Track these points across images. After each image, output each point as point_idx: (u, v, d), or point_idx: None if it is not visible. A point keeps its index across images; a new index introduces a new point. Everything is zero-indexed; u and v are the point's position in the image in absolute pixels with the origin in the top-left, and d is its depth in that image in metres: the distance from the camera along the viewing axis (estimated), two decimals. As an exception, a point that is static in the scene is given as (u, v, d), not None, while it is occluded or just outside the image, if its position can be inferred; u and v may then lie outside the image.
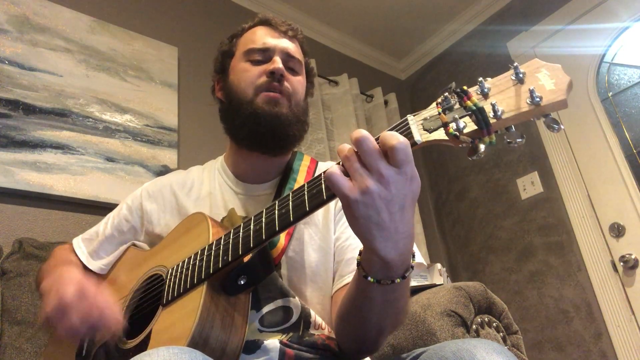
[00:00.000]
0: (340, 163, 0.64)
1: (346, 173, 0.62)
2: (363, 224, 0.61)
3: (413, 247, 0.68)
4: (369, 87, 3.01)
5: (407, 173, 0.60)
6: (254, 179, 1.04)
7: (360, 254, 0.71)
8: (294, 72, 1.04)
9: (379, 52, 3.33)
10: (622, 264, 2.17)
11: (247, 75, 1.00)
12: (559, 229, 2.41)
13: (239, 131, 1.01)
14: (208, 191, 1.05)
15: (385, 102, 3.01)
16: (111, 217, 1.12)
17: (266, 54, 1.02)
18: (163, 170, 1.93)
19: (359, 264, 0.71)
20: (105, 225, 1.10)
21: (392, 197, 0.60)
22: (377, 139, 0.62)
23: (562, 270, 2.35)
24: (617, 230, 2.22)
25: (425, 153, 3.18)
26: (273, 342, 0.82)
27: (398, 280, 0.67)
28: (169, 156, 2.00)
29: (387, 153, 0.60)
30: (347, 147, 0.63)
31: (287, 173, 1.03)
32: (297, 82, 1.03)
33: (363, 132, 0.60)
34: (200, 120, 2.18)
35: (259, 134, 0.97)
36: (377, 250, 0.62)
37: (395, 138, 0.59)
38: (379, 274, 0.67)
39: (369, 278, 0.68)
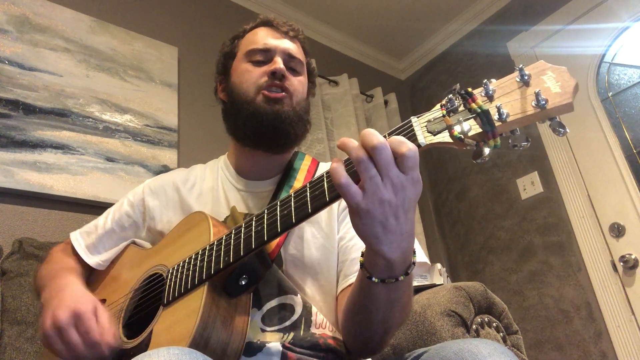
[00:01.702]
0: (344, 161, 0.63)
1: (350, 173, 0.62)
2: (370, 229, 0.62)
3: (414, 244, 0.69)
4: (369, 87, 3.01)
5: (414, 178, 0.61)
6: (255, 176, 1.04)
7: (362, 254, 0.72)
8: (295, 72, 1.04)
9: (379, 52, 3.32)
10: (622, 264, 2.17)
11: (248, 75, 1.01)
12: (559, 229, 2.41)
13: (241, 130, 1.01)
14: (210, 187, 1.06)
15: (385, 102, 3.01)
16: (112, 211, 1.11)
17: (267, 54, 1.02)
18: (163, 170, 1.92)
19: (362, 265, 0.71)
20: (105, 219, 1.10)
21: (400, 203, 0.61)
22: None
23: (562, 270, 2.35)
24: (617, 230, 2.22)
25: (425, 153, 3.15)
26: (275, 345, 0.82)
27: (401, 277, 0.68)
28: (169, 156, 2.00)
29: (397, 160, 0.60)
30: (354, 144, 0.61)
31: (287, 171, 1.04)
32: (298, 82, 1.03)
33: (380, 139, 0.60)
34: (200, 120, 2.18)
35: (260, 133, 0.97)
36: (382, 252, 0.63)
37: (405, 146, 0.59)
38: (382, 274, 0.68)
39: (373, 278, 0.68)
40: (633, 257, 2.15)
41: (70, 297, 0.83)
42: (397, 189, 0.60)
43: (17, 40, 1.77)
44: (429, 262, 0.96)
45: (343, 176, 0.61)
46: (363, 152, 0.60)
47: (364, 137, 0.60)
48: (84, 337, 0.77)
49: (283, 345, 0.82)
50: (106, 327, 0.80)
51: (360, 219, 0.62)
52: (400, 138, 0.61)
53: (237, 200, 1.01)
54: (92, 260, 1.05)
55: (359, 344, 0.85)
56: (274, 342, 0.82)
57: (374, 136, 0.60)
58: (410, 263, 0.69)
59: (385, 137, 0.63)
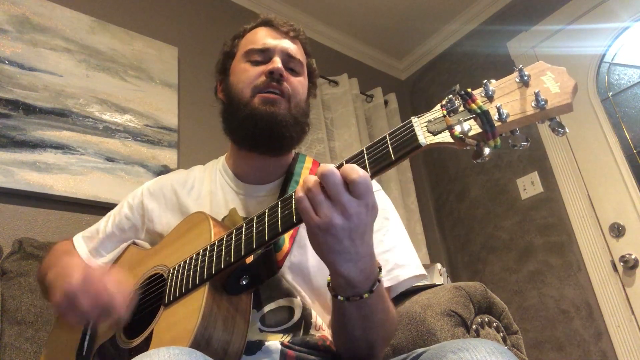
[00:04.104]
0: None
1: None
2: (325, 249, 0.65)
3: (375, 264, 0.72)
4: (369, 87, 3.01)
5: (369, 204, 0.64)
6: (255, 180, 1.03)
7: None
8: (294, 72, 1.03)
9: (379, 52, 3.32)
10: (622, 264, 2.17)
11: (246, 75, 0.99)
12: (559, 229, 2.41)
13: (236, 132, 1.01)
14: (209, 190, 1.05)
15: (385, 102, 3.01)
16: (112, 215, 1.12)
17: (266, 54, 1.01)
18: (163, 170, 1.92)
19: (328, 284, 0.74)
20: (106, 223, 1.10)
21: (354, 227, 0.63)
22: (338, 167, 0.64)
23: (562, 270, 2.35)
24: (617, 230, 2.22)
25: (425, 153, 3.18)
26: (274, 344, 0.82)
27: (366, 295, 0.70)
28: (169, 156, 2.00)
29: (349, 186, 0.62)
30: (312, 178, 0.65)
31: (289, 176, 1.03)
32: (297, 83, 1.02)
33: (329, 167, 0.63)
34: (200, 120, 2.18)
35: (255, 135, 0.96)
36: (340, 272, 0.67)
37: (355, 172, 0.62)
38: (346, 292, 0.70)
39: (339, 297, 0.71)
40: (633, 257, 2.15)
41: (77, 264, 0.87)
42: (350, 214, 0.62)
43: (17, 40, 1.77)
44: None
45: (304, 198, 0.64)
46: (312, 181, 0.64)
47: (317, 169, 0.63)
48: (99, 293, 0.80)
49: (282, 344, 0.82)
50: (118, 283, 0.82)
51: (314, 240, 0.66)
52: (352, 165, 0.63)
53: (237, 204, 1.00)
54: (95, 264, 1.06)
55: (349, 356, 0.85)
56: (273, 340, 0.83)
57: (324, 166, 0.63)
58: (375, 280, 0.71)
59: (384, 136, 0.63)
